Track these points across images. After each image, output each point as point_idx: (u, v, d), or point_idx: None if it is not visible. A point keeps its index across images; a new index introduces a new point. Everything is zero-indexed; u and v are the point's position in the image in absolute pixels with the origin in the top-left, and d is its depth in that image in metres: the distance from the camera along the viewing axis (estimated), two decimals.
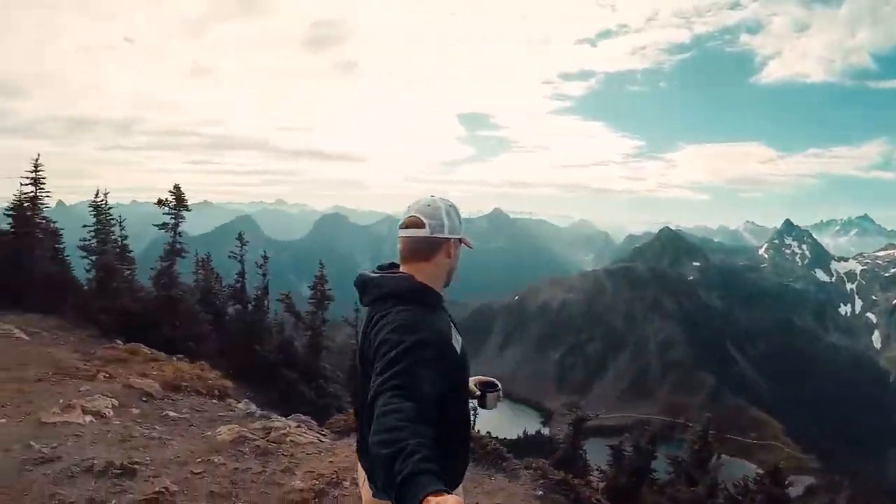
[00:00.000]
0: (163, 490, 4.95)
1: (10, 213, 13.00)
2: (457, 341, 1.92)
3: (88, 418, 6.56)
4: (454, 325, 1.99)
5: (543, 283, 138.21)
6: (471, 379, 2.22)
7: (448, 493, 1.21)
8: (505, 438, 44.44)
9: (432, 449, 1.33)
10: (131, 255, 15.33)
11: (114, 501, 4.65)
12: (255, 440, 6.28)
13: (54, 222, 14.66)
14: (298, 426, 7.55)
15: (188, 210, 14.73)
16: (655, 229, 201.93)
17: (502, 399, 2.28)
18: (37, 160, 13.31)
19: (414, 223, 1.93)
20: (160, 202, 14.35)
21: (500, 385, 2.26)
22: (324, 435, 7.82)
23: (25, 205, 13.17)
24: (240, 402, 8.71)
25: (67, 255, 15.23)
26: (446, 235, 1.93)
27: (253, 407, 8.65)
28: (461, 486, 2.07)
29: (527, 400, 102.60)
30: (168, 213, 14.68)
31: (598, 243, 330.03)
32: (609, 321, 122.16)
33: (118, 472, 5.14)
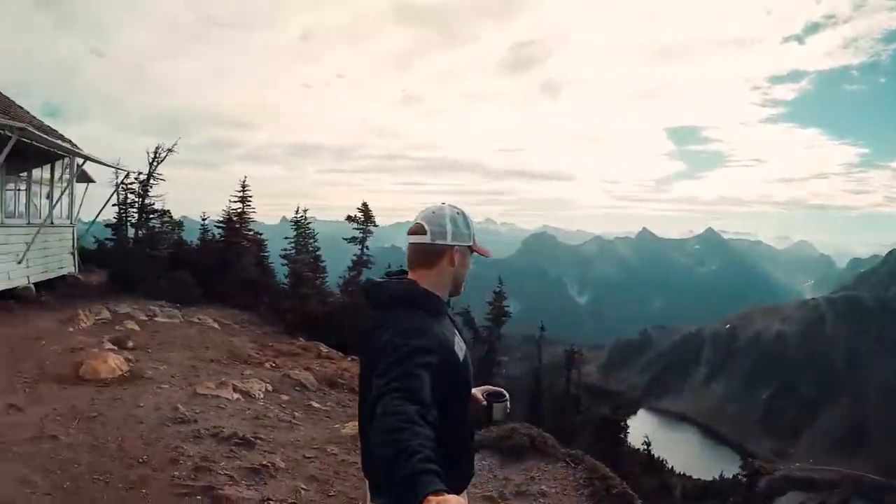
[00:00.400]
0: (269, 464, 5.40)
1: (221, 225, 15.75)
2: (460, 348, 2.00)
3: (236, 396, 7.53)
4: (459, 332, 2.09)
5: (757, 312, 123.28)
6: (479, 388, 2.30)
7: (449, 493, 1.25)
8: (699, 479, 40.55)
9: (433, 450, 1.39)
10: (323, 264, 17.32)
11: (223, 463, 5.18)
12: None
13: (260, 234, 17.50)
14: None
15: (375, 226, 16.48)
16: (884, 251, 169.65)
17: (509, 410, 2.28)
18: (244, 182, 16.40)
19: (417, 230, 2.02)
20: (349, 218, 16.21)
21: (507, 395, 2.29)
22: None
23: (234, 218, 15.80)
24: None
25: (271, 262, 17.91)
26: (449, 242, 2.01)
27: None
28: (465, 492, 2.14)
29: (729, 440, 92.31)
30: (357, 228, 16.42)
31: (819, 267, 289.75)
32: (827, 358, 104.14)
33: (239, 441, 5.76)
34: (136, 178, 14.29)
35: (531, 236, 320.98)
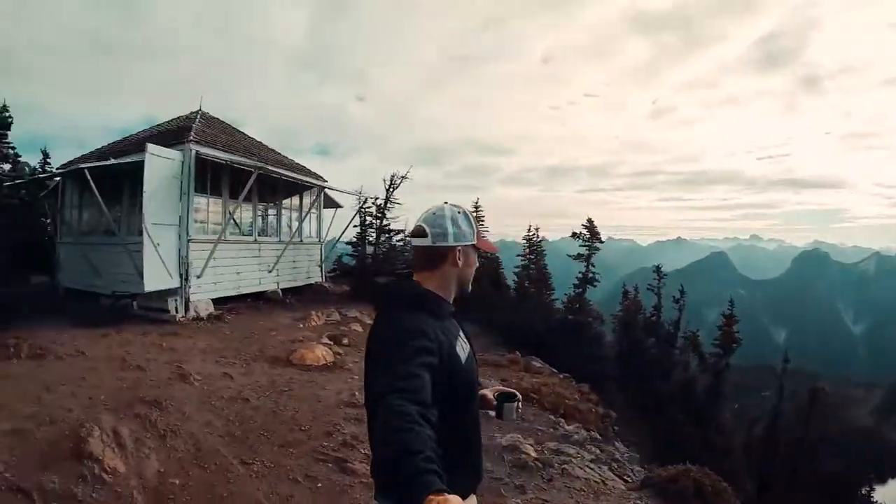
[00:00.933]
0: None
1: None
2: (462, 349, 2.07)
3: None
4: (463, 333, 2.19)
5: None
6: (490, 389, 2.44)
7: (450, 493, 1.31)
8: None
9: (435, 451, 1.45)
10: (550, 282, 18.12)
11: (368, 444, 6.01)
12: (525, 453, 6.72)
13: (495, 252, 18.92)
14: (594, 459, 7.41)
15: (601, 242, 16.85)
16: None
17: (521, 411, 2.41)
18: (476, 202, 18.14)
19: (418, 233, 2.11)
20: (574, 235, 16.73)
21: (519, 396, 2.39)
22: (626, 480, 7.37)
23: None
24: (570, 426, 9.07)
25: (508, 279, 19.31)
26: (450, 244, 2.08)
27: (581, 433, 8.83)
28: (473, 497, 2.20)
29: None
30: (583, 245, 16.85)
31: None
32: None
33: None
34: (373, 203, 16.94)
35: (801, 254, 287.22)
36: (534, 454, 6.78)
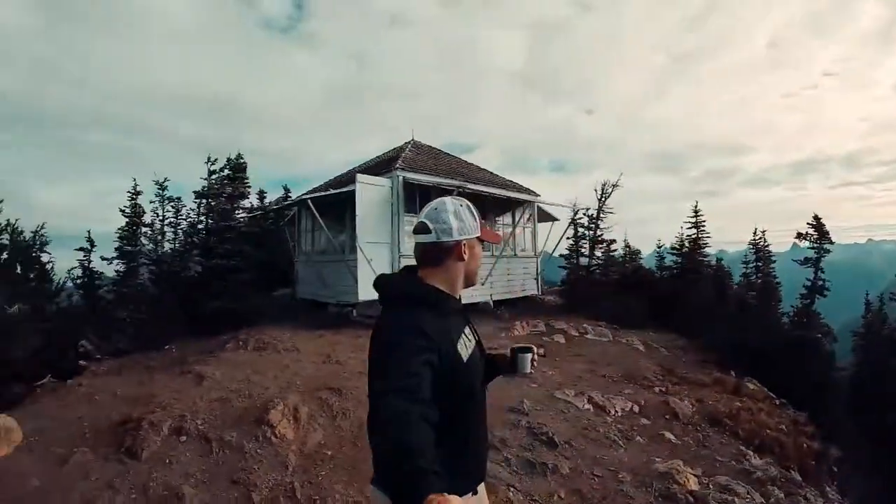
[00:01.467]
0: (552, 465, 6.30)
1: (675, 251, 16.99)
2: (465, 347, 2.08)
3: (587, 407, 8.69)
4: (471, 330, 2.25)
5: None
6: (509, 349, 2.52)
7: (451, 495, 1.34)
8: None
9: (435, 451, 1.50)
10: (779, 289, 16.54)
11: (513, 450, 6.59)
12: (679, 483, 6.42)
13: (720, 260, 18.04)
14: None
15: (832, 243, 14.86)
16: None
17: (536, 364, 2.48)
18: (696, 207, 17.33)
19: (421, 229, 2.13)
20: (799, 235, 15.09)
21: (534, 349, 2.48)
22: None
23: (687, 245, 17.02)
24: (760, 460, 8.41)
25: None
26: (454, 238, 2.12)
27: (769, 471, 8.15)
28: (477, 496, 2.23)
29: None
30: (811, 248, 15.20)
31: None
32: None
33: (544, 439, 7.00)
34: (584, 214, 17.33)
35: None
36: (692, 486, 6.40)
